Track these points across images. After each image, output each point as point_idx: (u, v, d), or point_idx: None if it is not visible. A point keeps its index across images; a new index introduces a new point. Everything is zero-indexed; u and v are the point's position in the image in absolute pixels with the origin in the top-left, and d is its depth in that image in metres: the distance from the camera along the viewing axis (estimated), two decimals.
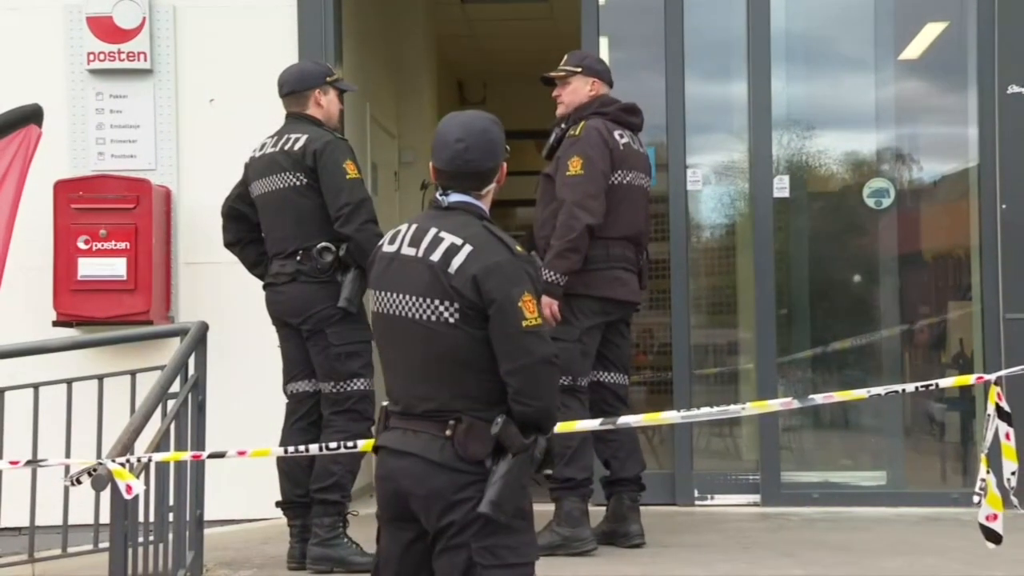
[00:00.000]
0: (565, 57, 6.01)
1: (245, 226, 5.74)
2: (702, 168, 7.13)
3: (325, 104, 5.67)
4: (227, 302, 6.69)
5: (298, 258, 5.51)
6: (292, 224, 5.53)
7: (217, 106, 6.99)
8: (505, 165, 3.57)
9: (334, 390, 5.50)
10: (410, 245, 3.46)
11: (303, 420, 5.64)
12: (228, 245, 5.81)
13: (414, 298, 3.40)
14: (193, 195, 6.92)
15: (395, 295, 3.45)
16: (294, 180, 5.50)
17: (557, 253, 5.54)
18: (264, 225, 5.67)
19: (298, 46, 6.93)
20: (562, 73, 5.92)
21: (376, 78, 8.73)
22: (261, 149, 5.65)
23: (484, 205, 3.53)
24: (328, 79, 5.72)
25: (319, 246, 5.48)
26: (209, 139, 6.94)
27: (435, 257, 3.39)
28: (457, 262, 3.36)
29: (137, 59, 6.95)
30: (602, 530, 5.85)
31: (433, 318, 3.37)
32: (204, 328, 5.47)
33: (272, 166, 5.55)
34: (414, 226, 3.51)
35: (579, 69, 5.90)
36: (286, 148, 5.53)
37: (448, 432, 3.34)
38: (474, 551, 3.32)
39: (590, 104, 5.84)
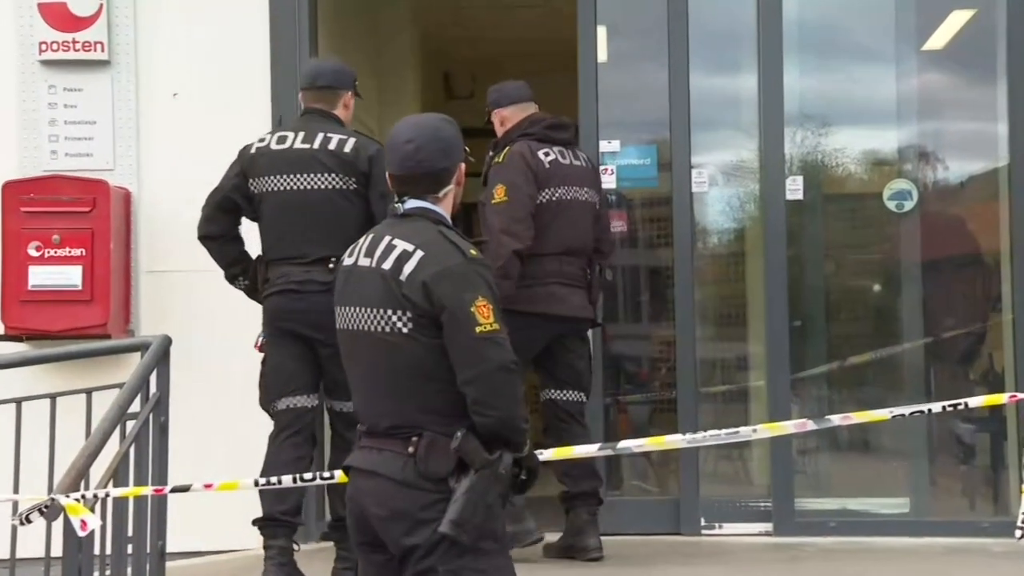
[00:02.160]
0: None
1: (234, 220, 5.79)
2: (708, 168, 7.12)
3: (350, 107, 5.86)
4: (192, 314, 6.67)
5: (331, 266, 5.36)
6: (327, 228, 5.54)
7: (181, 100, 6.97)
8: (463, 166, 3.67)
9: None
10: (365, 256, 3.58)
11: (298, 436, 5.64)
12: (207, 238, 5.80)
13: (369, 310, 3.51)
14: (155, 197, 6.90)
15: (353, 309, 3.57)
16: (339, 183, 5.57)
17: None
18: (276, 224, 5.66)
19: (269, 34, 6.94)
20: (486, 117, 6.43)
21: (355, 69, 8.70)
22: (281, 143, 5.68)
23: (443, 209, 3.63)
24: (356, 81, 5.90)
25: None
26: (173, 136, 6.93)
27: (387, 265, 3.50)
28: (408, 269, 3.46)
29: (93, 49, 6.92)
30: (560, 545, 6.14)
31: (387, 329, 3.46)
32: (167, 342, 5.43)
33: (309, 164, 5.60)
34: (371, 236, 3.63)
35: (489, 107, 6.39)
36: (330, 148, 5.60)
37: (411, 449, 3.43)
38: (441, 575, 3.36)
39: (518, 127, 6.25)
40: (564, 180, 6.17)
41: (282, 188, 5.62)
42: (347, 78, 5.87)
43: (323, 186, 5.58)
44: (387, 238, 3.55)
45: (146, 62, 6.98)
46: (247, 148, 5.77)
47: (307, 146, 5.62)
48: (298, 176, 5.61)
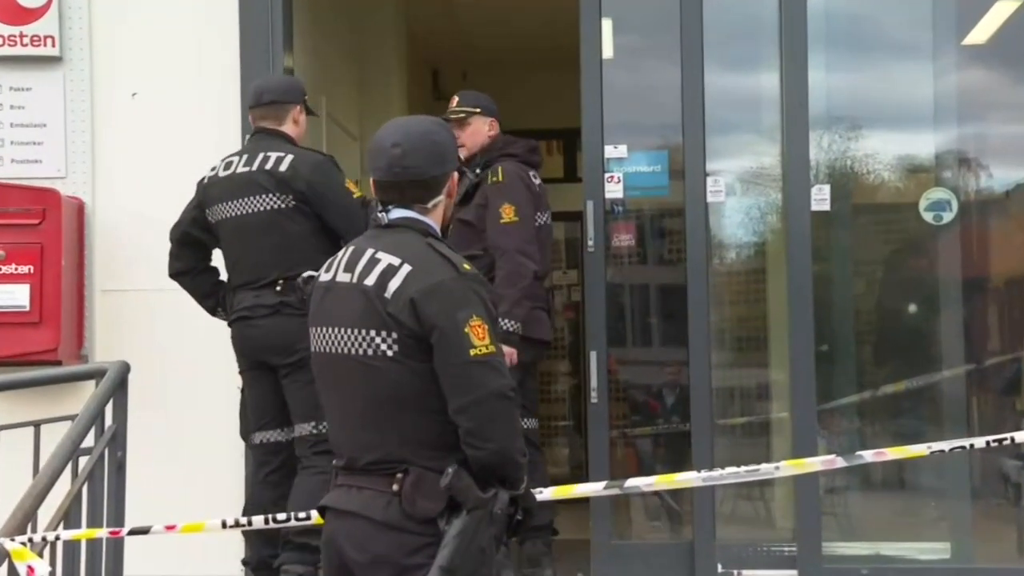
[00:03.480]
0: (456, 98, 6.71)
1: (200, 254, 6.03)
2: (725, 176, 7.11)
3: (301, 123, 6.03)
4: (152, 337, 6.67)
5: (278, 288, 5.75)
6: (273, 250, 5.79)
7: (141, 101, 6.97)
8: (456, 176, 3.67)
9: (315, 431, 5.67)
10: (345, 271, 3.57)
11: (276, 473, 5.85)
12: (177, 275, 6.04)
13: (349, 330, 3.49)
14: (111, 208, 6.90)
15: (329, 330, 3.55)
16: (278, 202, 5.76)
17: (515, 301, 6.23)
18: (231, 251, 5.92)
19: (239, 27, 6.96)
20: (461, 114, 6.55)
21: (334, 67, 8.72)
22: (227, 169, 5.89)
23: (432, 220, 3.62)
24: (305, 96, 6.06)
25: (305, 274, 5.56)
26: (131, 140, 6.94)
27: (370, 281, 3.48)
28: (394, 285, 3.44)
29: (43, 44, 6.93)
30: None
31: (370, 352, 3.44)
32: (125, 369, 5.45)
33: (249, 187, 5.79)
34: (351, 249, 3.62)
35: (477, 109, 6.63)
36: (267, 168, 5.79)
37: (395, 486, 3.40)
38: None
39: (493, 145, 6.58)
40: (545, 204, 6.61)
41: (231, 214, 5.86)
42: (295, 92, 6.05)
43: (264, 208, 5.79)
44: (369, 251, 3.53)
45: (102, 59, 6.99)
46: (202, 180, 6.00)
47: (248, 169, 5.84)
48: (243, 200, 5.82)
